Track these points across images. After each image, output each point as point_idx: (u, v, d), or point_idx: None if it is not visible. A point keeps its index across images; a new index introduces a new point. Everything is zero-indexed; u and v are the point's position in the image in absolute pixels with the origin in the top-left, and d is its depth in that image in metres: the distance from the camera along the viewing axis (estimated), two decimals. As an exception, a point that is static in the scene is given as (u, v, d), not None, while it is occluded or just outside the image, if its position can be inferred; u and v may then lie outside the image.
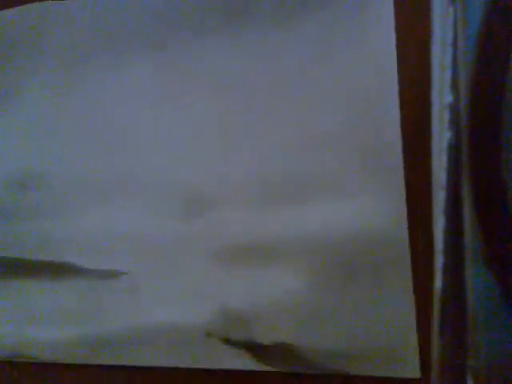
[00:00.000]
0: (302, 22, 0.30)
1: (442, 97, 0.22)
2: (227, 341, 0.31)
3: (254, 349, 0.31)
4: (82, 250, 0.34)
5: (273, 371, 0.31)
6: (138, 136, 0.33)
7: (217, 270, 0.32)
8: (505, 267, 0.20)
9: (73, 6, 0.34)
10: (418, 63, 0.30)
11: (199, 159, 0.32)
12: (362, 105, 0.30)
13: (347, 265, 0.30)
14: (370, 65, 0.29)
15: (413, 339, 0.29)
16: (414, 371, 0.29)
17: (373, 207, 0.29)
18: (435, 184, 0.22)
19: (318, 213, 0.30)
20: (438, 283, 0.21)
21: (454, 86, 0.21)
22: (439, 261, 0.21)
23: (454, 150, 0.21)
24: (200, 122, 0.32)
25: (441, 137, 0.22)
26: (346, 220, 0.30)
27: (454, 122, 0.21)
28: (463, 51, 0.21)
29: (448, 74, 0.21)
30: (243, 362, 0.31)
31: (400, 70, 0.29)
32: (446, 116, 0.21)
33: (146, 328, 0.33)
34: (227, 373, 0.32)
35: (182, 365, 0.33)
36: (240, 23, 0.31)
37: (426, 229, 0.29)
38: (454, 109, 0.21)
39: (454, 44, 0.21)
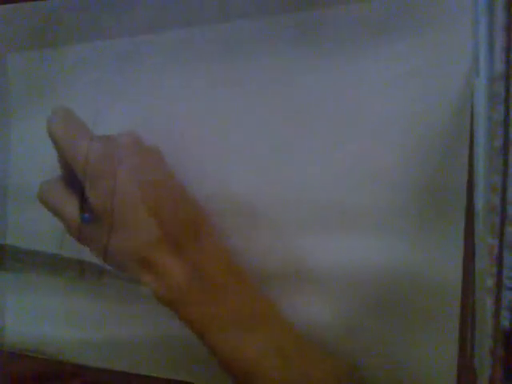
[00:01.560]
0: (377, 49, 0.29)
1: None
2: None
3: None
4: None
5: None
6: (195, 147, 0.32)
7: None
8: None
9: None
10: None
11: (252, 176, 0.31)
12: (428, 140, 0.28)
13: (387, 301, 0.29)
14: (441, 98, 0.28)
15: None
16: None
17: (426, 247, 0.28)
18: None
19: (363, 245, 0.29)
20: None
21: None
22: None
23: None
24: (259, 138, 0.31)
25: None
26: (392, 256, 0.29)
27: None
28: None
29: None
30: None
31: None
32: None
33: (174, 338, 0.32)
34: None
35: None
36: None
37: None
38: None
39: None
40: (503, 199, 0.19)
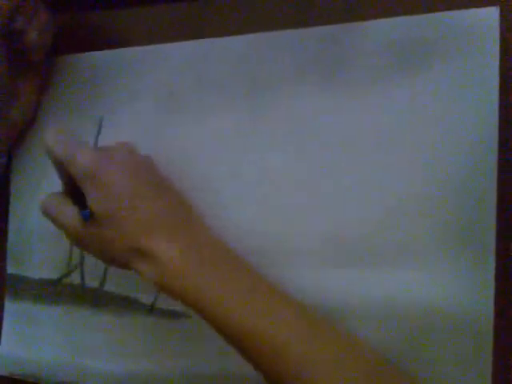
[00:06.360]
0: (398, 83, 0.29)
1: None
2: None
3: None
4: (148, 287, 0.34)
5: None
6: (215, 185, 0.33)
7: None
8: None
9: (168, 49, 0.35)
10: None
11: (275, 212, 0.31)
12: (453, 175, 0.28)
13: (416, 337, 0.29)
14: (469, 131, 0.27)
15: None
16: None
17: (455, 280, 0.28)
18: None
19: (392, 278, 0.29)
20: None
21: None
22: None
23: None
24: (279, 176, 0.32)
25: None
26: (422, 289, 0.28)
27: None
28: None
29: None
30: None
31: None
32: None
33: (203, 372, 0.33)
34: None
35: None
36: (334, 82, 0.30)
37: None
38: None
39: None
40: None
